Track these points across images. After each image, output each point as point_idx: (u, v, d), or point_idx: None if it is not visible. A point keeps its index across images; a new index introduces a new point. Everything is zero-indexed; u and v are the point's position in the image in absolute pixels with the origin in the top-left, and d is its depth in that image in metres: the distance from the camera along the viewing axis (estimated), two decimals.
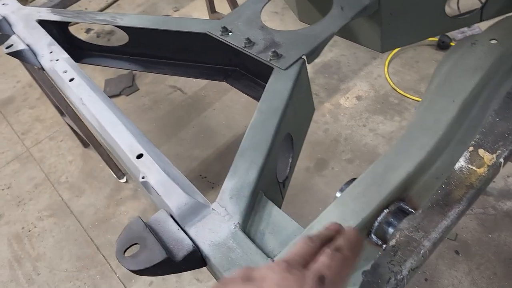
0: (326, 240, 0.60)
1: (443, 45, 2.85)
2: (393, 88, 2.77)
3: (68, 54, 1.47)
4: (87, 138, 2.67)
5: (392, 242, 0.99)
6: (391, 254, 0.97)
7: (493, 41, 0.92)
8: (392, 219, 0.85)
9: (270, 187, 1.03)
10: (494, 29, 0.96)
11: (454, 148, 0.91)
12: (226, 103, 3.05)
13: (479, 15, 1.31)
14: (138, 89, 3.38)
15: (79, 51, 1.78)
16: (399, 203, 0.87)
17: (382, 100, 2.74)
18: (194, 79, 3.31)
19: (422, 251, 0.96)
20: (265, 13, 3.66)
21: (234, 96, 3.07)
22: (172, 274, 0.90)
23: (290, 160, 1.15)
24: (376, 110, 2.69)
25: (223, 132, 2.89)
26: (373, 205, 0.83)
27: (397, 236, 1.00)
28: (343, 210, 0.84)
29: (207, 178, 2.67)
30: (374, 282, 0.92)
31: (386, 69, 2.87)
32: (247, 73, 1.47)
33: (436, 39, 2.86)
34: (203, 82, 3.20)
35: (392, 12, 1.29)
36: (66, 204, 2.72)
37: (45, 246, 2.52)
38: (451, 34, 2.89)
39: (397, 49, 2.93)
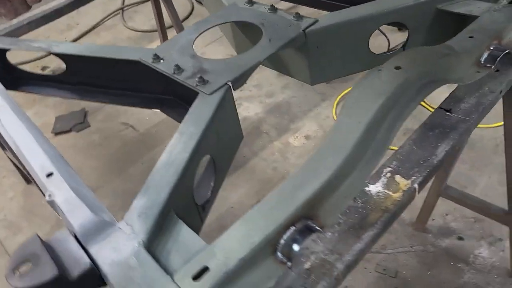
0: None
1: None
2: None
3: (4, 81, 1.46)
4: (28, 172, 2.58)
5: (307, 265, 0.98)
6: (304, 277, 0.96)
7: (398, 69, 0.97)
8: (298, 237, 0.84)
9: (186, 208, 1.01)
10: (399, 58, 1.01)
11: (362, 169, 0.93)
12: None
13: (402, 51, 1.39)
14: (89, 126, 3.33)
15: (17, 79, 1.76)
16: (306, 221, 0.87)
17: None
18: (147, 117, 3.30)
19: (335, 273, 0.95)
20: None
21: None
22: None
23: (212, 184, 1.14)
24: None
25: None
26: (279, 222, 0.82)
27: (312, 259, 0.99)
28: (249, 227, 0.83)
29: None
30: None
31: (334, 110, 2.95)
32: (182, 101, 1.49)
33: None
34: (156, 119, 3.19)
35: (319, 46, 1.35)
36: (1, 243, 2.57)
37: None
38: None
39: (346, 91, 3.04)
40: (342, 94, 3.05)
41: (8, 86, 1.49)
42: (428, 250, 2.10)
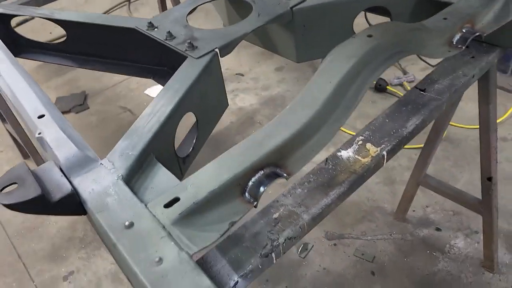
0: None
1: (380, 88, 3.06)
2: None
3: (7, 48, 1.53)
4: (26, 146, 2.65)
5: (275, 215, 1.06)
6: (272, 225, 1.03)
7: (369, 37, 1.04)
8: (265, 180, 0.91)
9: (166, 156, 1.08)
10: (373, 28, 1.08)
11: (331, 124, 1.00)
12: None
13: None
14: (88, 108, 3.41)
15: (20, 46, 1.83)
16: (275, 168, 0.93)
17: None
18: (145, 103, 3.38)
19: (301, 223, 1.03)
20: None
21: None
22: None
23: (194, 141, 1.22)
24: None
25: None
26: (248, 164, 0.89)
27: (281, 210, 1.07)
28: (220, 167, 0.90)
29: None
30: (251, 247, 0.97)
31: None
32: (174, 71, 1.56)
33: (374, 81, 3.07)
34: None
35: (305, 24, 1.42)
36: None
37: None
38: (387, 78, 3.12)
39: None
40: None
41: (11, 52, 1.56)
42: (406, 238, 2.16)
